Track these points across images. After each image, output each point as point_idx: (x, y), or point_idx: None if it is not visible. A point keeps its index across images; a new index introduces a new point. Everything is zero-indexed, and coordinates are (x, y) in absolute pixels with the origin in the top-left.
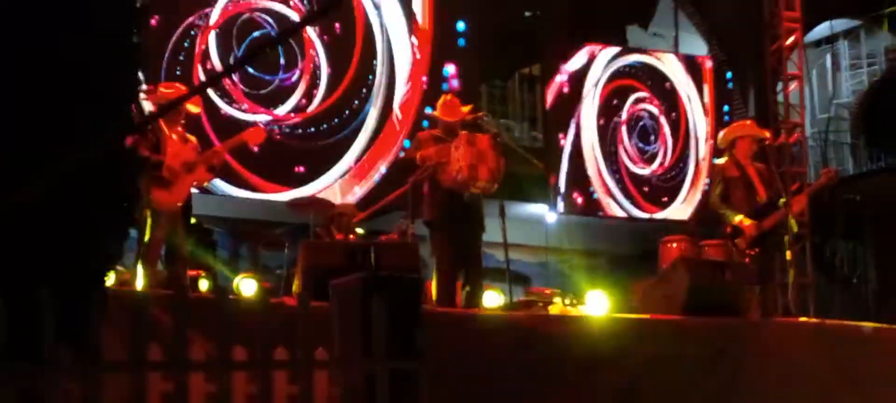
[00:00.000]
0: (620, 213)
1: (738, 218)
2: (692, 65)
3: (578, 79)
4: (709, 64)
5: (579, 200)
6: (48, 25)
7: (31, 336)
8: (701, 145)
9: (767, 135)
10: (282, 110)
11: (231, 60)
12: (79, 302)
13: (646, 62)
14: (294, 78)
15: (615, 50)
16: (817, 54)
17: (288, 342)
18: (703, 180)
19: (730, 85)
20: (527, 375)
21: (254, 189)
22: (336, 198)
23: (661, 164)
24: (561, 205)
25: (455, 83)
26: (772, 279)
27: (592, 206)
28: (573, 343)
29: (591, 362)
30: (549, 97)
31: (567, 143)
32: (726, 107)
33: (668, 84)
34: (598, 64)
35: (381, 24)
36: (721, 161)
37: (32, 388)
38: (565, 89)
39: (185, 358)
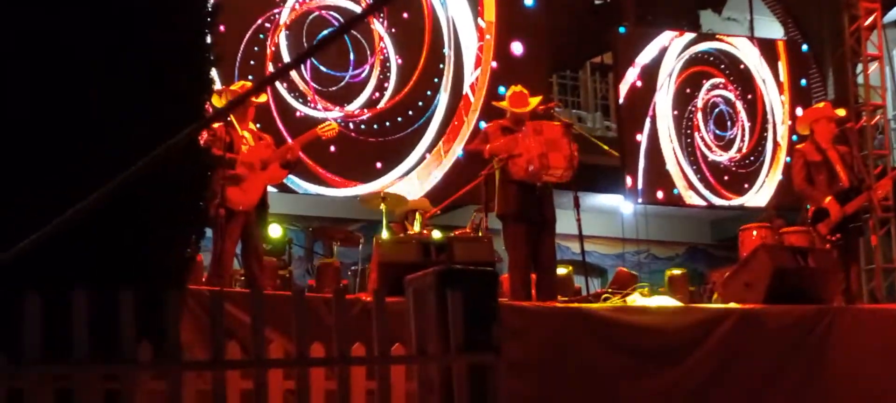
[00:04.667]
0: (702, 203)
1: (827, 200)
2: (766, 46)
3: (651, 71)
4: (782, 43)
5: (660, 196)
6: (127, 27)
7: (112, 335)
8: (779, 128)
9: (843, 113)
10: (354, 106)
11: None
12: (158, 300)
13: (719, 48)
14: (364, 73)
15: (686, 38)
16: None
17: (364, 338)
18: (781, 163)
19: (805, 51)
20: (602, 367)
21: (331, 187)
22: (414, 185)
23: (740, 150)
24: (640, 198)
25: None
26: (855, 264)
27: (673, 200)
28: (651, 335)
29: (669, 353)
30: (622, 93)
31: (643, 139)
32: (804, 82)
33: (742, 66)
34: (670, 54)
35: (447, 12)
36: (802, 145)
37: (115, 386)
38: (638, 83)
39: (263, 356)
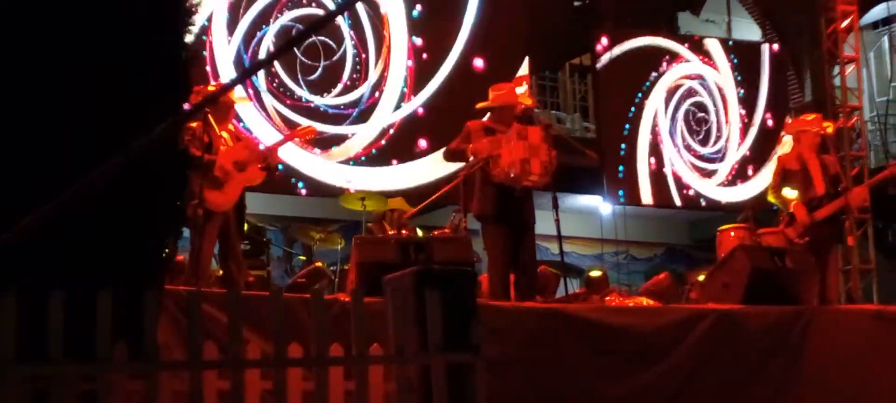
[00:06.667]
0: (685, 202)
1: (794, 204)
2: (740, 49)
3: (633, 74)
4: (763, 47)
5: (642, 196)
6: (107, 28)
7: (88, 335)
8: (753, 129)
9: (830, 130)
10: (335, 91)
11: (296, 68)
12: (134, 300)
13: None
14: (338, 56)
15: (666, 79)
16: (874, 36)
17: (343, 338)
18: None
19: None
20: (581, 367)
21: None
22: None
23: (718, 150)
24: (621, 197)
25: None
26: (829, 271)
27: (655, 201)
28: (630, 335)
29: (648, 353)
30: (602, 92)
31: (625, 140)
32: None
33: (718, 71)
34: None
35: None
36: (784, 152)
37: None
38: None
39: (240, 356)
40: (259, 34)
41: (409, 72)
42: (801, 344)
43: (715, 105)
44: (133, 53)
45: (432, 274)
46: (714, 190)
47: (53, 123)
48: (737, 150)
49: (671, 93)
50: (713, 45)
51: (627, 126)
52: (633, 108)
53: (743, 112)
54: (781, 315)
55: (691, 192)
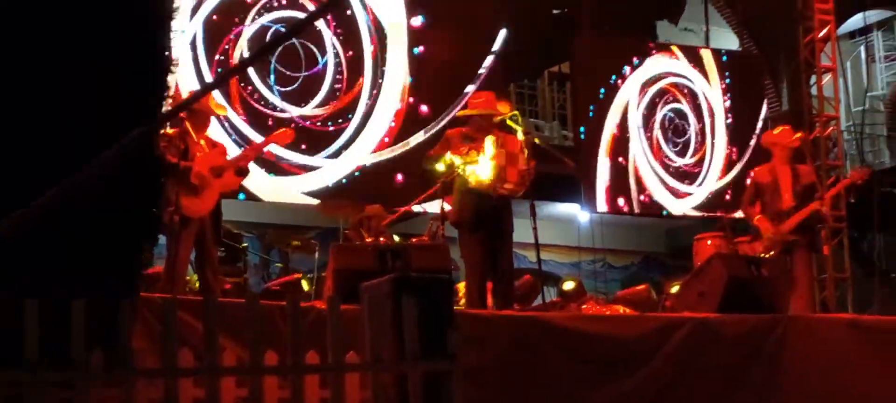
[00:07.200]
0: (665, 210)
1: (757, 218)
2: (695, 55)
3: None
4: (714, 56)
5: (621, 204)
6: (82, 29)
7: (63, 342)
8: (720, 137)
9: (797, 141)
10: (315, 101)
11: (269, 71)
12: (110, 307)
13: (672, 81)
14: (320, 68)
15: (645, 69)
16: (851, 46)
17: (319, 346)
18: (734, 171)
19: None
20: (558, 375)
21: (292, 175)
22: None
23: (695, 156)
24: (600, 206)
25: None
26: (798, 283)
27: (635, 209)
28: (606, 343)
29: (625, 361)
30: (581, 100)
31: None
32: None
33: (695, 79)
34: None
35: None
36: (758, 167)
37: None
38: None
39: (216, 364)
40: (232, 37)
41: (397, 115)
42: (778, 353)
43: (700, 120)
44: (108, 58)
45: (409, 281)
46: (676, 204)
47: (22, 128)
48: (716, 182)
49: (649, 84)
50: (707, 57)
51: (592, 106)
52: (603, 90)
53: (733, 147)
54: (758, 323)
55: (675, 198)
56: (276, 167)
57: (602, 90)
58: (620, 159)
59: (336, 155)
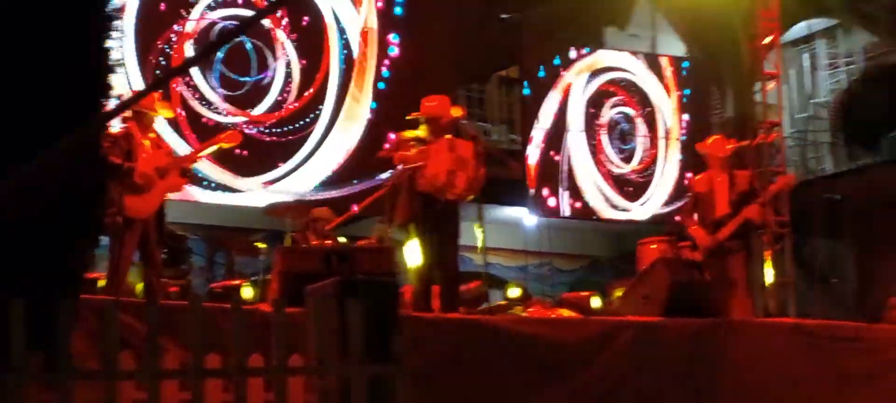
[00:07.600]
0: (610, 216)
1: (693, 228)
2: (655, 63)
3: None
4: (674, 65)
5: (566, 210)
6: (22, 28)
7: (1, 344)
8: (673, 143)
9: (729, 150)
10: (260, 109)
11: (212, 70)
12: (49, 308)
13: (618, 76)
14: (268, 77)
15: (590, 75)
16: (795, 54)
17: (263, 348)
18: (675, 177)
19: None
20: (504, 378)
21: (235, 190)
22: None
23: (642, 162)
24: (550, 208)
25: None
26: (735, 288)
27: (587, 212)
28: (551, 346)
29: (569, 364)
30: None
31: (543, 146)
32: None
33: (641, 85)
34: (576, 88)
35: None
36: (697, 177)
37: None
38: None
39: (157, 366)
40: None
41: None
42: (719, 356)
43: (638, 118)
44: (48, 57)
45: (354, 284)
46: (611, 212)
47: None
48: (661, 207)
49: (598, 109)
50: (666, 64)
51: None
52: (542, 68)
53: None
54: (700, 326)
55: (620, 203)
56: (220, 186)
57: (541, 69)
58: (552, 153)
59: (276, 181)
